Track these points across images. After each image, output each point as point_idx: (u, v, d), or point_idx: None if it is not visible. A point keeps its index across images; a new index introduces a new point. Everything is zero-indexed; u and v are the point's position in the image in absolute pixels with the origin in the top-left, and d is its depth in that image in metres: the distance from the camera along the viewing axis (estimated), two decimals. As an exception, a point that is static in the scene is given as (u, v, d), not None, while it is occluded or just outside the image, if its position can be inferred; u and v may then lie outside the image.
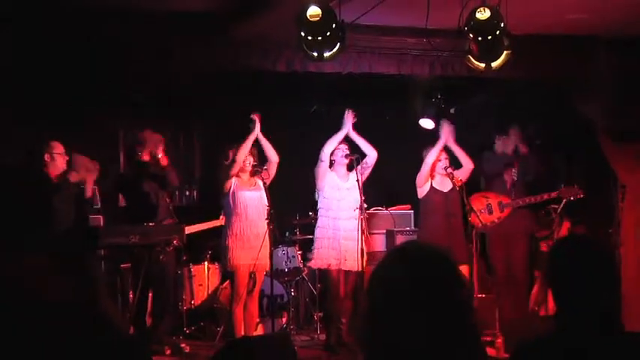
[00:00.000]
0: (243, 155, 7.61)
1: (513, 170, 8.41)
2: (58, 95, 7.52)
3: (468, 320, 2.02)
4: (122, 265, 8.10)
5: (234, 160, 7.60)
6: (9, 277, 1.99)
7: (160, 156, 7.87)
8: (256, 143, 7.74)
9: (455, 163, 8.26)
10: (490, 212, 8.27)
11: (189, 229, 8.23)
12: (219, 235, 7.89)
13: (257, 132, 7.64)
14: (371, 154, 8.06)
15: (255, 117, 7.67)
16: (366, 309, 2.03)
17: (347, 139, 8.08)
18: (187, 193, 9.19)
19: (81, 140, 7.72)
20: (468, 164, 8.29)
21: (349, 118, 8.00)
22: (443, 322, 1.96)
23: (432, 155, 8.11)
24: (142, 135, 7.91)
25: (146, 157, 7.86)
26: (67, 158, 7.31)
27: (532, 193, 8.43)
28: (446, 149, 8.22)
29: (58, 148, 7.25)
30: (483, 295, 8.50)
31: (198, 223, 8.70)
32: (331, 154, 7.98)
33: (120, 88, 7.75)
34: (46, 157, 7.18)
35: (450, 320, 1.97)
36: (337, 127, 8.01)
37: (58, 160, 7.23)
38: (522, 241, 8.49)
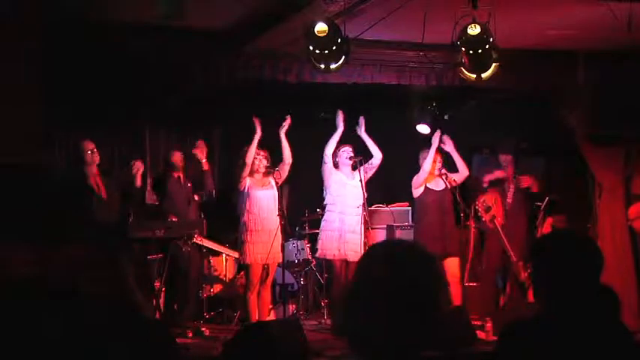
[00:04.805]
0: (251, 157, 7.55)
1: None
2: (92, 100, 7.52)
3: (435, 315, 1.93)
4: (149, 257, 8.13)
5: (244, 163, 7.54)
6: (47, 268, 2.00)
7: (203, 161, 7.95)
8: (266, 143, 7.72)
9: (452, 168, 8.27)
10: (486, 212, 8.17)
11: (208, 244, 8.30)
12: (235, 230, 7.89)
13: (259, 133, 7.54)
14: (376, 156, 8.02)
15: (256, 120, 7.61)
16: (347, 294, 1.99)
17: (357, 140, 8.05)
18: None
19: (111, 139, 7.72)
20: (464, 171, 8.27)
21: (341, 119, 7.93)
22: (411, 316, 1.90)
23: (428, 162, 8.06)
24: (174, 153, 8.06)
25: (179, 160, 7.96)
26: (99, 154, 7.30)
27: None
28: (443, 154, 8.20)
29: (90, 145, 7.24)
30: (473, 284, 8.50)
31: (217, 243, 8.69)
32: (337, 155, 7.95)
33: (146, 95, 7.74)
34: (87, 156, 7.18)
35: (419, 314, 1.91)
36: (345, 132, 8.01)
37: (95, 157, 7.23)
38: (520, 232, 8.33)
